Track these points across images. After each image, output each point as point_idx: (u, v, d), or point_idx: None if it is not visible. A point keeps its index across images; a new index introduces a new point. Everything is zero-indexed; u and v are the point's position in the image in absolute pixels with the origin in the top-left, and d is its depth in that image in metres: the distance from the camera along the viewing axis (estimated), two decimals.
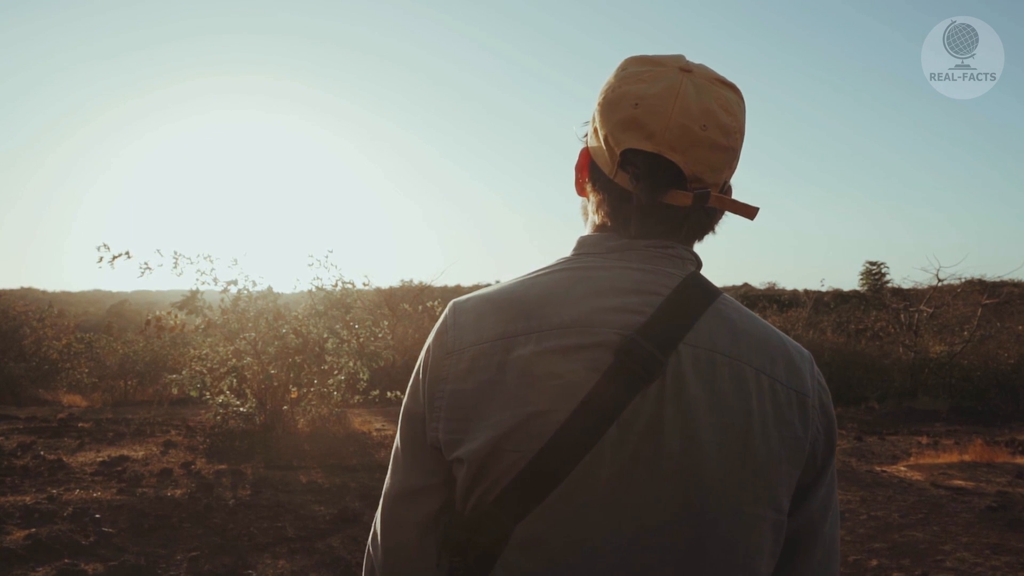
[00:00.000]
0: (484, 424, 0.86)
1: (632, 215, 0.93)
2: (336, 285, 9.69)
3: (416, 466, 0.94)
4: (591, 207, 0.99)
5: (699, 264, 0.96)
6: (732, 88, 0.93)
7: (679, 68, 0.92)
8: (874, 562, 4.74)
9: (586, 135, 0.99)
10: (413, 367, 0.97)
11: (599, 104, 0.94)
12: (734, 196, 0.97)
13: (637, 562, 0.84)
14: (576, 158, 1.01)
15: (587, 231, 1.01)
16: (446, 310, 0.96)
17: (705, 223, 0.96)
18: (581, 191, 1.01)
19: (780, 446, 0.88)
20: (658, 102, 0.88)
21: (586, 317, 0.87)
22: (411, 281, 22.36)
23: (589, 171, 0.98)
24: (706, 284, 0.92)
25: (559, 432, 0.83)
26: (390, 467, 0.98)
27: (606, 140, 0.92)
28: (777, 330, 0.95)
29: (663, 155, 0.88)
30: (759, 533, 0.87)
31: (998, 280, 18.84)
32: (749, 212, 0.92)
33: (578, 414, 0.83)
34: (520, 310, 0.89)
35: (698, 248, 0.98)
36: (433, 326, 0.96)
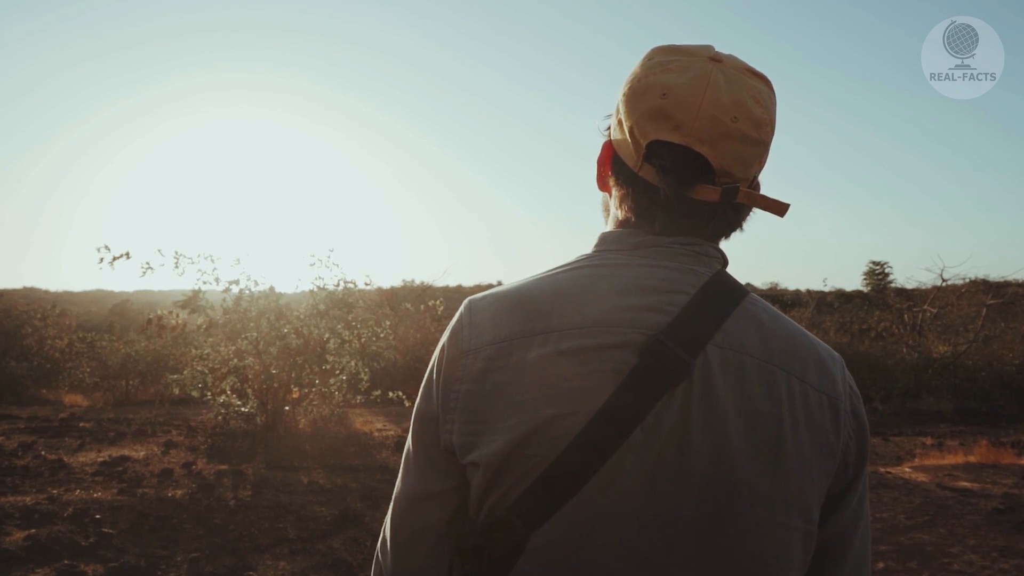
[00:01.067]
0: (501, 427, 0.82)
1: (657, 210, 0.89)
2: (338, 285, 9.68)
3: (429, 469, 0.90)
4: (613, 202, 0.95)
5: (725, 262, 0.93)
6: (763, 79, 0.89)
7: (708, 58, 0.88)
8: (881, 564, 4.70)
9: (608, 128, 0.95)
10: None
11: (624, 95, 0.90)
12: (762, 192, 0.93)
13: (659, 572, 0.80)
14: (598, 152, 0.96)
15: (609, 227, 0.97)
16: (461, 308, 0.92)
17: (733, 219, 0.92)
18: (603, 186, 0.97)
19: (812, 453, 0.84)
20: (687, 92, 0.84)
21: (608, 316, 0.83)
22: (413, 281, 22.42)
23: (612, 165, 0.93)
24: (733, 283, 0.88)
25: (579, 436, 0.79)
26: (401, 470, 0.94)
27: (631, 132, 0.88)
28: (807, 332, 0.91)
29: (691, 147, 0.84)
30: (788, 544, 0.83)
31: (1002, 280, 18.77)
32: (779, 209, 0.88)
33: (599, 418, 0.80)
34: (539, 309, 0.85)
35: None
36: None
